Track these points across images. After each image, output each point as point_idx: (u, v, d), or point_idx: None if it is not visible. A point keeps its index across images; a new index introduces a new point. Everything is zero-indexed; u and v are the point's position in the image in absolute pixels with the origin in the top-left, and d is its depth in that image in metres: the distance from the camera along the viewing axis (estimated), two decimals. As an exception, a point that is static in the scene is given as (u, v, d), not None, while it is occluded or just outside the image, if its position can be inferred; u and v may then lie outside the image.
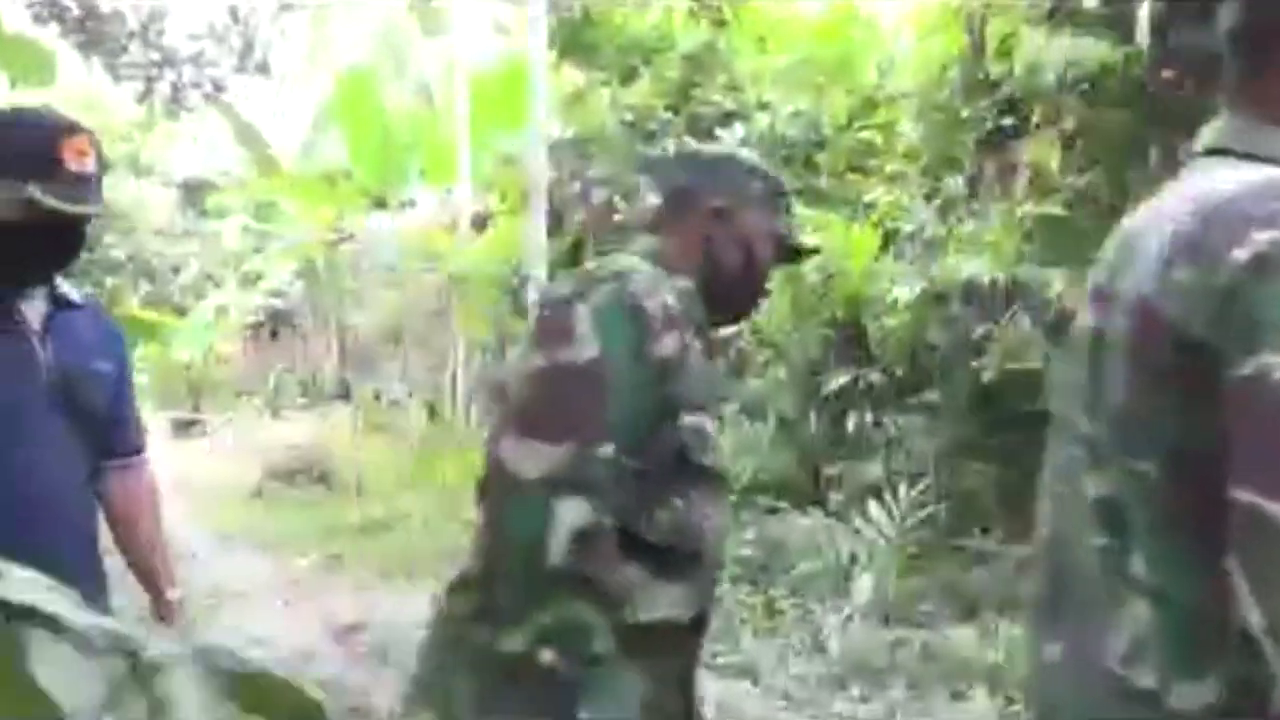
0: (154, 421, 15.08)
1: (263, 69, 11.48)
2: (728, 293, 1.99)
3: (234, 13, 10.99)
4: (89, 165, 1.99)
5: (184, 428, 15.10)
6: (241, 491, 10.07)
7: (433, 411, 12.49)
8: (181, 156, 18.95)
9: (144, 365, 15.69)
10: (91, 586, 2.11)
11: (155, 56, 10.93)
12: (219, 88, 11.40)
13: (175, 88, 11.10)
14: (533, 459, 1.64)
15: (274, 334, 19.31)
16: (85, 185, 1.98)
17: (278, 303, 18.26)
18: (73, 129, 2.01)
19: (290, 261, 17.37)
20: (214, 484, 10.64)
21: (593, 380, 1.70)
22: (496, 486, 1.70)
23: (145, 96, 11.13)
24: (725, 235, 1.99)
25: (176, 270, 19.69)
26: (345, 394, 15.91)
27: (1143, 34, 6.52)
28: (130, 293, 18.87)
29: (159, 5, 10.84)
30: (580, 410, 1.68)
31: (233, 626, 5.90)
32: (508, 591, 1.69)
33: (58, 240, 2.05)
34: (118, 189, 19.06)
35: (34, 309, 2.12)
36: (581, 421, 1.67)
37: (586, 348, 1.70)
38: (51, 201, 1.93)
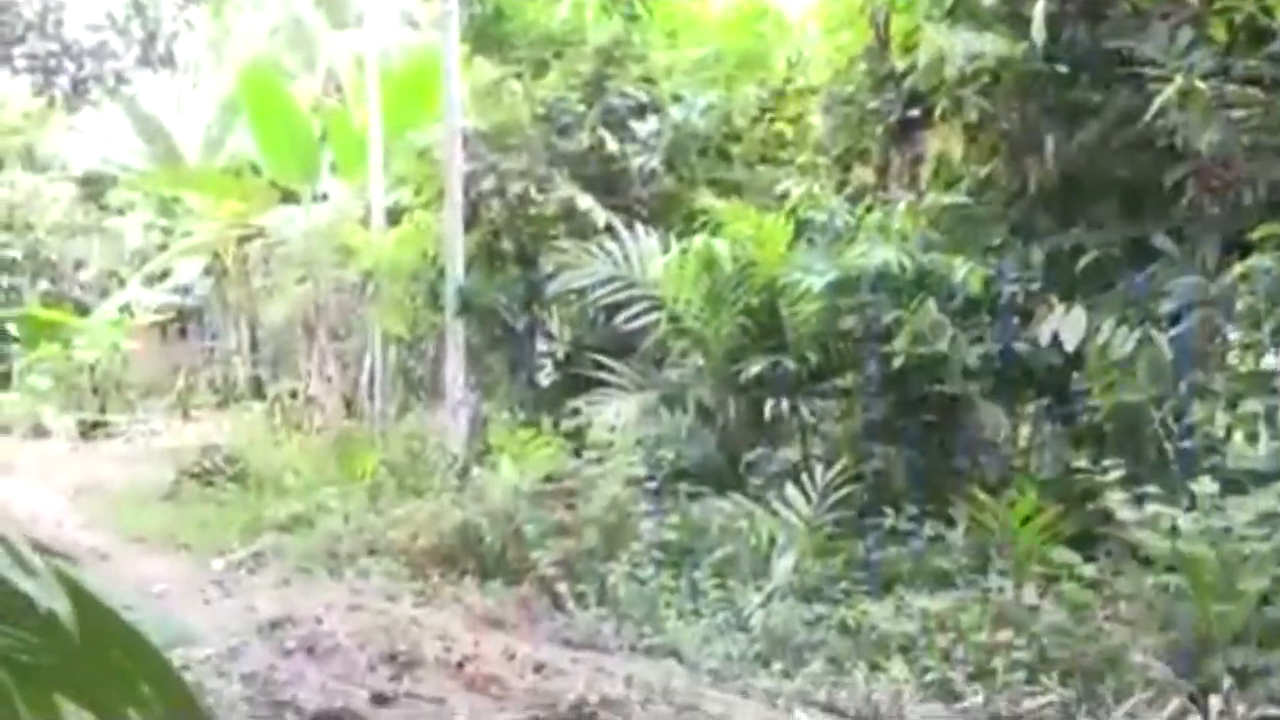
0: (59, 424, 14.67)
1: (166, 61, 11.23)
2: None
3: (136, 3, 10.72)
4: None
5: (91, 430, 14.68)
6: (155, 493, 9.85)
7: (349, 406, 12.38)
8: (80, 150, 18.35)
9: (46, 366, 15.23)
10: None
11: (54, 48, 10.61)
12: (121, 80, 11.11)
13: (75, 80, 10.80)
14: None
15: (182, 332, 18.87)
16: None
17: (185, 300, 17.84)
18: None
19: (197, 257, 17.01)
20: (125, 486, 10.41)
21: None
22: None
23: (44, 89, 10.81)
24: None
25: (77, 267, 19.09)
26: (258, 391, 15.65)
27: (1038, 30, 6.81)
28: (28, 291, 18.25)
29: (58, -6, 10.54)
30: None
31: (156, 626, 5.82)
32: None
33: None
34: (12, 184, 18.42)
35: None
36: None
37: None
38: None
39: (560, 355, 10.16)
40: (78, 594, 1.29)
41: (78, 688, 1.36)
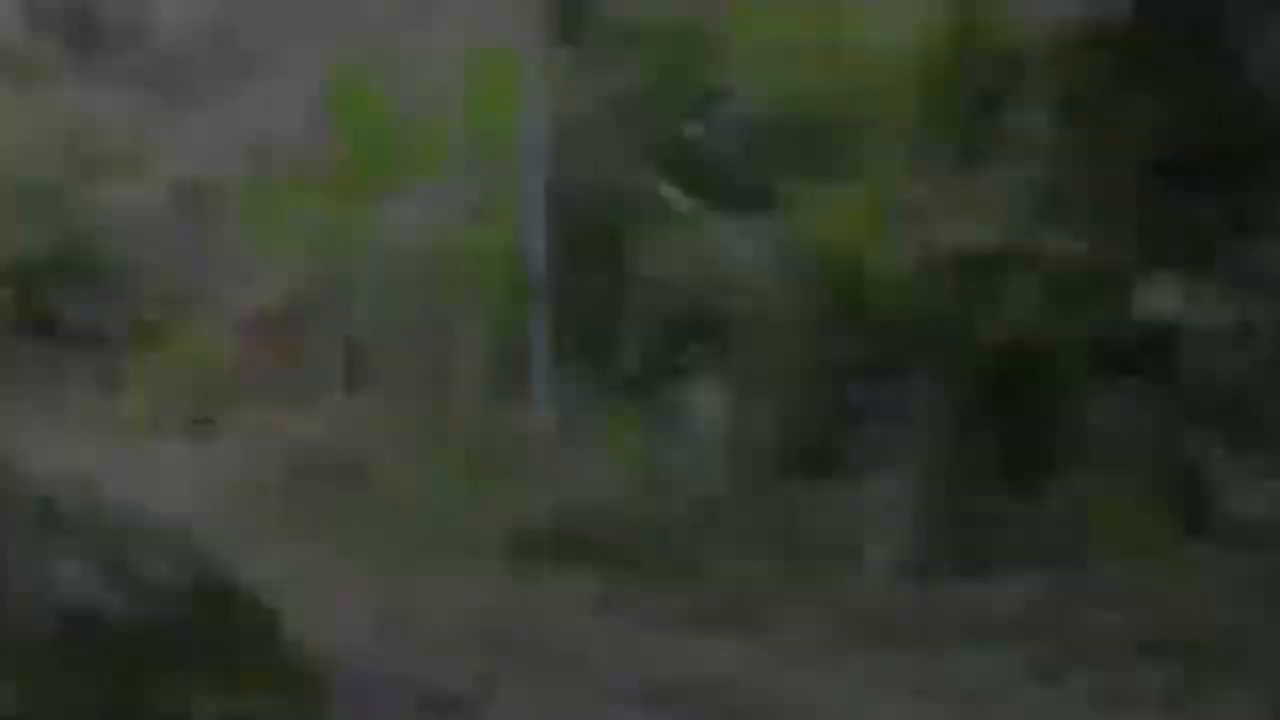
0: (172, 423, 15.22)
1: (257, 66, 11.57)
2: None
3: (227, 10, 11.08)
4: None
5: (203, 427, 15.18)
6: (267, 487, 10.21)
7: (443, 399, 12.63)
8: (175, 157, 18.97)
9: (156, 367, 15.81)
10: None
11: (147, 59, 11.03)
12: (214, 88, 11.49)
13: (168, 90, 11.21)
14: None
15: (280, 330, 19.39)
16: None
17: (282, 300, 18.33)
18: None
19: (292, 257, 17.46)
20: (239, 481, 10.78)
21: None
22: None
23: (139, 100, 11.25)
24: None
25: (179, 271, 19.75)
26: (354, 387, 16.03)
27: (1128, -6, 6.64)
28: (135, 296, 18.95)
29: (152, 6, 10.94)
30: None
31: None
32: None
33: None
34: (112, 191, 19.11)
35: None
36: None
37: None
38: None
39: (647, 343, 10.22)
40: (209, 575, 1.38)
41: (209, 666, 1.46)
